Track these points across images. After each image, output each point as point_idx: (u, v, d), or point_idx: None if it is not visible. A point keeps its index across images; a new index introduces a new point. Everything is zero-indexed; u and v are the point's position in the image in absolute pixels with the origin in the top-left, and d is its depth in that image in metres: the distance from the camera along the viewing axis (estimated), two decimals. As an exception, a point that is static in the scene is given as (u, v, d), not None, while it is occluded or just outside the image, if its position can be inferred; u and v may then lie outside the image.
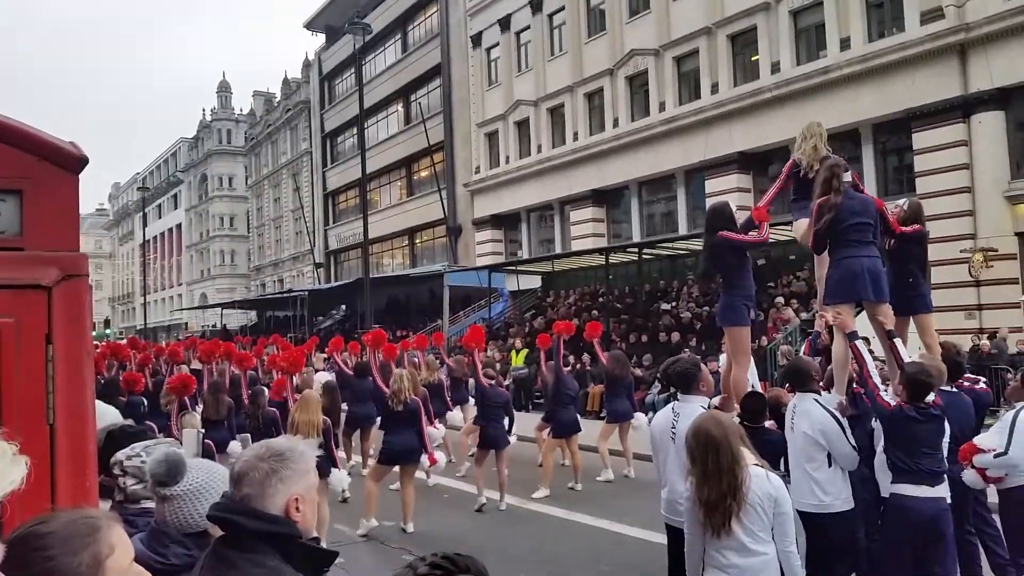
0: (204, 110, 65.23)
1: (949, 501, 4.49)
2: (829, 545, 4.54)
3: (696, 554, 3.50)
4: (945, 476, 4.52)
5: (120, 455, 2.71)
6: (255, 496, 1.85)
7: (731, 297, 5.58)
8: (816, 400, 4.74)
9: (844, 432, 4.59)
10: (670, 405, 4.89)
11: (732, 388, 5.53)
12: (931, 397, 4.48)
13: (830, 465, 4.58)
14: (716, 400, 5.62)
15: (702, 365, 4.96)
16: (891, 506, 4.56)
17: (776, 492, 3.35)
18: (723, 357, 6.25)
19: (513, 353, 20.71)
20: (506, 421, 9.35)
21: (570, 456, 10.31)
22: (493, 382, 9.59)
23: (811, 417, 4.63)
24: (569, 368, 11.33)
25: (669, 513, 4.69)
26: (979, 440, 4.97)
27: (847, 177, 5.23)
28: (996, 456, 4.87)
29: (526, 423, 11.72)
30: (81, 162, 2.33)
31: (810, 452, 4.61)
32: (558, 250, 27.55)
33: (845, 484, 4.62)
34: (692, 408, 4.54)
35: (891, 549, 4.58)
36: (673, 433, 4.57)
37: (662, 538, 5.12)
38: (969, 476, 4.94)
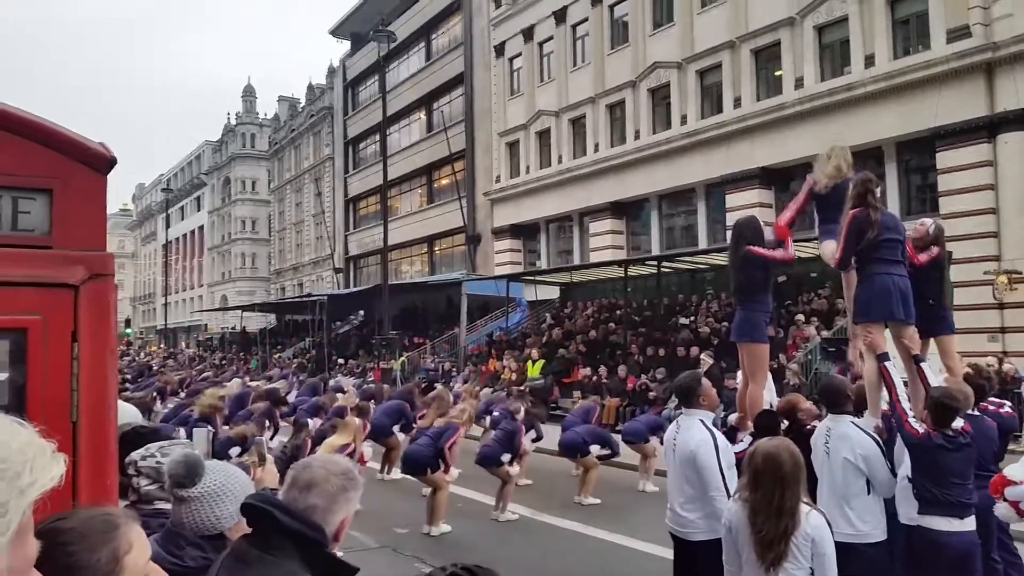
0: (229, 114, 65.96)
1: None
2: None
3: None
4: (973, 507, 4.34)
5: (135, 455, 2.67)
6: (322, 508, 1.83)
7: (752, 313, 5.49)
8: (853, 423, 4.56)
9: (884, 457, 4.42)
10: (676, 420, 4.87)
11: (748, 406, 5.46)
12: (960, 424, 4.33)
13: (868, 492, 4.40)
14: (733, 418, 5.56)
15: (703, 379, 4.87)
16: (922, 541, 4.34)
17: (814, 532, 3.24)
18: (739, 374, 6.17)
19: (529, 363, 20.68)
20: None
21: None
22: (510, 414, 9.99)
23: (851, 441, 4.43)
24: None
25: (670, 522, 4.68)
26: (1009, 472, 4.62)
27: (878, 192, 5.13)
28: None
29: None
30: (110, 163, 2.35)
31: (849, 478, 4.41)
32: (576, 261, 27.51)
33: (882, 513, 4.44)
34: (692, 422, 4.55)
35: None
36: (674, 445, 4.59)
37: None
38: (1002, 510, 4.62)
